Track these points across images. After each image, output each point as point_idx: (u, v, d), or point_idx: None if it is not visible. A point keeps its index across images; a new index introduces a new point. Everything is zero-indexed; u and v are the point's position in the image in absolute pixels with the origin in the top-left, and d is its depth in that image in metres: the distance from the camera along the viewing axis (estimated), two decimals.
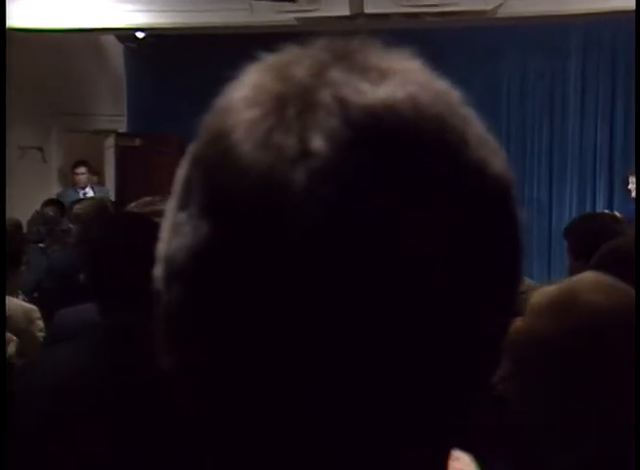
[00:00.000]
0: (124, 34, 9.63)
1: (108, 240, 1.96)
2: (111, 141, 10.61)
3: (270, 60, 0.50)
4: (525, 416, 1.38)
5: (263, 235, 0.45)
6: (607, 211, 7.68)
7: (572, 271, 3.05)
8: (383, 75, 0.48)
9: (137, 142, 10.27)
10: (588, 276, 1.45)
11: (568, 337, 1.31)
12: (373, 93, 0.47)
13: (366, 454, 0.47)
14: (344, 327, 0.45)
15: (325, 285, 0.44)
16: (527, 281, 3.55)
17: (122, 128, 10.70)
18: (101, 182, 10.00)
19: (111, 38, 10.21)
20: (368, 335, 0.45)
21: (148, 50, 9.94)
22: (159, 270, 0.50)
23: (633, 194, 7.72)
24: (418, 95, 0.47)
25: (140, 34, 9.34)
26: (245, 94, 0.49)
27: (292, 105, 0.47)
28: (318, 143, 0.45)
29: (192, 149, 0.51)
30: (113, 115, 10.59)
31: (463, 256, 0.46)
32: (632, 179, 7.76)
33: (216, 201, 0.47)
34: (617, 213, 5.59)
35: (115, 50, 10.53)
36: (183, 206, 0.49)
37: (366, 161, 0.45)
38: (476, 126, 0.49)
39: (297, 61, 0.49)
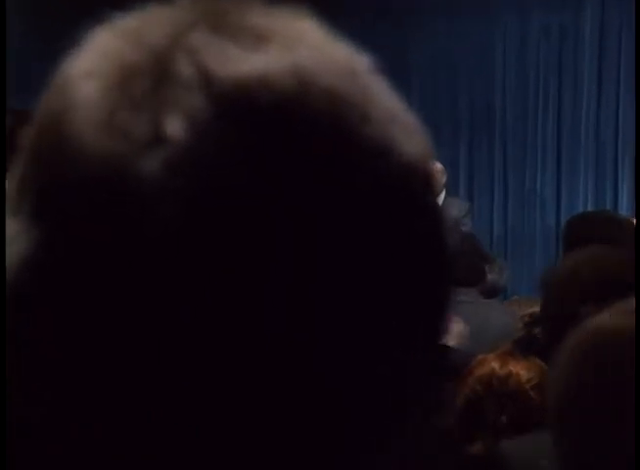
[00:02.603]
0: None
1: None
2: None
3: (123, 21, 0.48)
4: None
5: (104, 240, 0.44)
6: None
7: None
8: (261, 39, 0.46)
9: (7, 121, 8.71)
10: None
11: None
12: (246, 62, 0.45)
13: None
14: (204, 340, 0.44)
15: (186, 290, 0.44)
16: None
17: None
18: None
19: None
20: (238, 349, 0.45)
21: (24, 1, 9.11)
22: None
23: None
24: (304, 64, 0.46)
25: None
26: (86, 64, 0.46)
27: (142, 77, 0.45)
28: (175, 126, 0.44)
29: (25, 137, 0.48)
30: None
31: (366, 247, 0.46)
32: None
33: (49, 198, 0.45)
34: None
35: None
36: (16, 211, 0.47)
37: (234, 147, 0.44)
38: (383, 100, 0.48)
39: (153, 22, 0.47)
